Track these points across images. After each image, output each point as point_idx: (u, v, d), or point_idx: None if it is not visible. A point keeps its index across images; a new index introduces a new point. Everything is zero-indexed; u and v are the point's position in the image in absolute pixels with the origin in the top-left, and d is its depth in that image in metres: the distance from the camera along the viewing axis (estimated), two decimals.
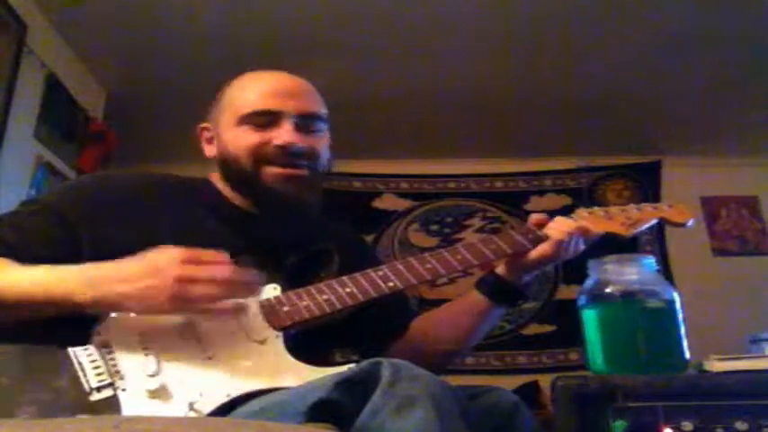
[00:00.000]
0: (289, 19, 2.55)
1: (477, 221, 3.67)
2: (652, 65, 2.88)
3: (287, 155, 1.05)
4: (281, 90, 1.09)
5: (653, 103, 3.22)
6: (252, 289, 0.90)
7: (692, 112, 3.29)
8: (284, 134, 1.05)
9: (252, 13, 2.51)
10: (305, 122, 1.08)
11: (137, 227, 1.00)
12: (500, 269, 1.17)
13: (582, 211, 1.18)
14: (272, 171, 1.05)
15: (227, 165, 1.09)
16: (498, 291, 1.16)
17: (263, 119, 1.06)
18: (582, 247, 1.15)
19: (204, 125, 1.17)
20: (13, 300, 0.86)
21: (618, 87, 3.07)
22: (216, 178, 1.15)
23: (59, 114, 2.64)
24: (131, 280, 0.85)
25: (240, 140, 1.06)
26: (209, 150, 1.15)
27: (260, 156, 1.05)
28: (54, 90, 2.58)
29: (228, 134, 1.09)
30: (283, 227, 1.09)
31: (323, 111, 1.14)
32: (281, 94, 1.09)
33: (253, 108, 1.07)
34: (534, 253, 1.11)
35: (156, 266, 0.85)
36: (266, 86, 1.10)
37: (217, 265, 0.87)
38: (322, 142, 1.11)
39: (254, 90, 1.10)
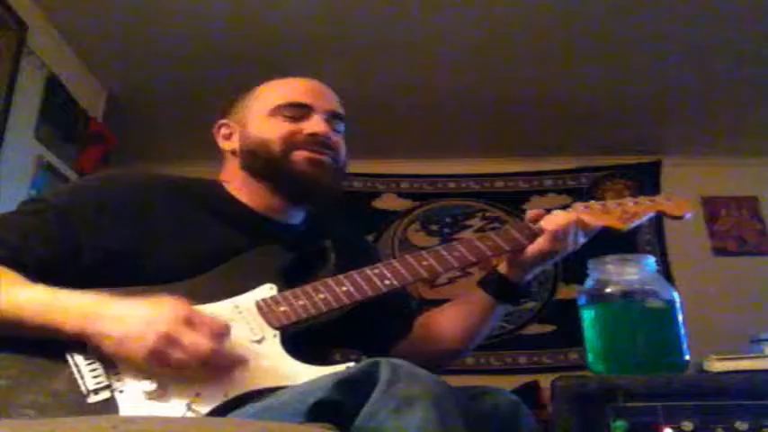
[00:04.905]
0: (289, 19, 2.55)
1: (477, 221, 3.66)
2: (652, 65, 2.88)
3: (317, 143, 1.10)
4: (313, 88, 1.17)
5: (653, 103, 3.22)
6: (227, 371, 0.85)
7: (692, 112, 3.28)
8: (316, 125, 1.11)
9: (252, 13, 2.51)
10: (332, 120, 1.15)
11: (137, 228, 1.00)
12: (502, 267, 1.17)
13: (578, 206, 1.18)
14: (301, 154, 1.10)
15: (253, 154, 1.12)
16: (501, 289, 1.16)
17: (296, 111, 1.12)
18: (582, 240, 1.14)
19: (222, 122, 1.19)
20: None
21: (618, 87, 3.06)
22: (227, 178, 1.16)
23: (59, 114, 2.63)
24: (122, 322, 0.83)
25: (272, 129, 1.11)
26: (228, 145, 1.18)
27: (291, 142, 1.10)
28: (54, 90, 2.57)
29: (258, 124, 1.13)
30: (297, 219, 1.15)
31: (344, 114, 1.19)
32: (314, 91, 1.16)
33: (287, 100, 1.13)
34: (532, 248, 1.10)
35: (150, 317, 0.82)
36: (299, 84, 1.17)
37: (208, 332, 0.83)
38: (342, 142, 1.17)
39: (287, 85, 1.17)
